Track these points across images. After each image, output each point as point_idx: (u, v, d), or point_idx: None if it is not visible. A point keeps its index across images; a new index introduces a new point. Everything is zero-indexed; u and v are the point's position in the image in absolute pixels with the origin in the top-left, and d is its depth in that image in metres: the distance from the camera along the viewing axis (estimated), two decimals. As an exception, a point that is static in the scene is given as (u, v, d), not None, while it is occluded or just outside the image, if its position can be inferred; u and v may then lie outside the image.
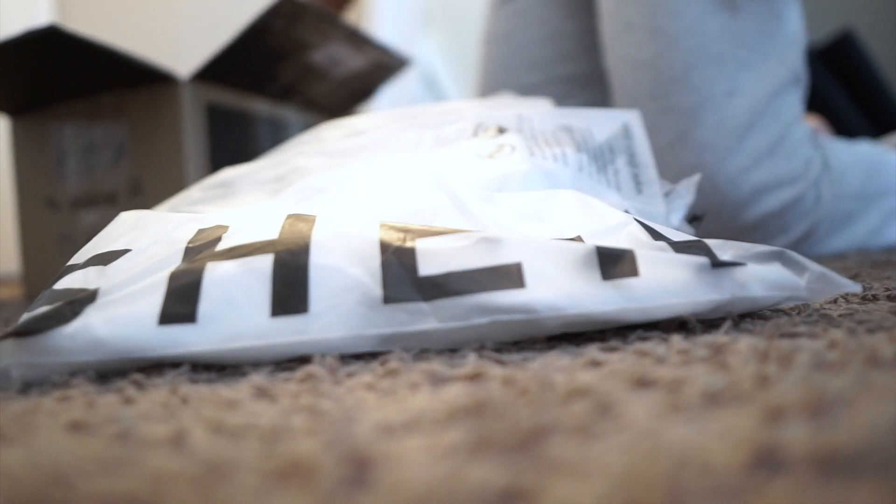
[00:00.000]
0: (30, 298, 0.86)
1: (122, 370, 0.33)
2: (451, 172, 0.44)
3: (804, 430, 0.18)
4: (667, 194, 0.53)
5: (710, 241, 0.36)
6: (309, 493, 0.17)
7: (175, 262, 0.36)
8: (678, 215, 0.52)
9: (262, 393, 0.28)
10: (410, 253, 0.34)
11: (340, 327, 0.33)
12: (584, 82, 0.97)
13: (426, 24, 1.91)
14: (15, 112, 0.86)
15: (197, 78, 0.77)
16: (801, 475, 0.16)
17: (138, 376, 0.31)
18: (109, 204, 0.78)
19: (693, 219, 0.53)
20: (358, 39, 0.86)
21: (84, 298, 0.34)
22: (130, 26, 1.60)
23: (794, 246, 0.79)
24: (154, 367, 0.33)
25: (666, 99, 0.78)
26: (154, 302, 0.33)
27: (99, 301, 0.34)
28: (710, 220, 0.74)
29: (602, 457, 0.17)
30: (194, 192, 0.53)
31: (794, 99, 0.80)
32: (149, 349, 0.32)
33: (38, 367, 0.32)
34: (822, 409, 0.20)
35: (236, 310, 0.33)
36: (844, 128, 1.09)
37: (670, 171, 0.77)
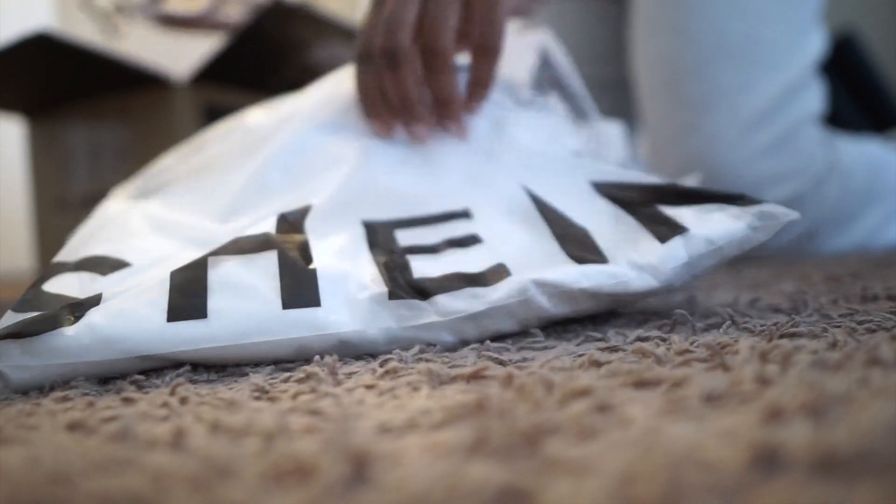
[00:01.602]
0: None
1: (124, 370, 0.33)
2: None
3: (804, 430, 0.18)
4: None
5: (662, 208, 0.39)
6: (308, 492, 0.17)
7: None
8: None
9: (262, 393, 0.28)
10: (404, 261, 0.37)
11: (351, 321, 0.34)
12: (608, 86, 0.99)
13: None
14: (31, 113, 0.87)
15: (193, 81, 0.77)
16: (801, 475, 0.16)
17: (138, 376, 0.31)
18: None
19: None
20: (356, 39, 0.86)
21: (88, 302, 0.34)
22: (134, 27, 1.60)
23: (797, 243, 0.80)
24: (154, 367, 0.33)
25: (680, 90, 0.79)
26: (161, 299, 0.33)
27: (102, 305, 0.33)
28: None
29: (601, 457, 0.17)
30: (168, 159, 0.52)
31: (809, 101, 0.81)
32: (158, 347, 0.32)
33: (36, 369, 0.32)
34: (822, 409, 0.20)
35: (247, 304, 0.33)
36: (845, 128, 1.09)
37: (678, 160, 0.78)
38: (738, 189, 0.76)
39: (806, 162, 0.79)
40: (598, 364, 0.28)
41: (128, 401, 0.28)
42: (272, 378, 0.30)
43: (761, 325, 0.34)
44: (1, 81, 0.77)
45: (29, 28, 0.70)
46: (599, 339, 0.34)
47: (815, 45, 0.83)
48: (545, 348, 0.33)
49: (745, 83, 0.78)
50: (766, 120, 0.78)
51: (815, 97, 0.82)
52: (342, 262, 0.36)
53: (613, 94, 1.00)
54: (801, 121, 0.80)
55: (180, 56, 1.13)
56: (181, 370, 0.32)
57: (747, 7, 0.79)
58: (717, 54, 0.78)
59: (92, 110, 0.81)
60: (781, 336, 0.31)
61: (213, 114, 0.80)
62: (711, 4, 0.79)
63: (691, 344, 0.30)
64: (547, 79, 0.53)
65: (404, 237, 0.40)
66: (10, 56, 0.69)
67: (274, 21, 0.75)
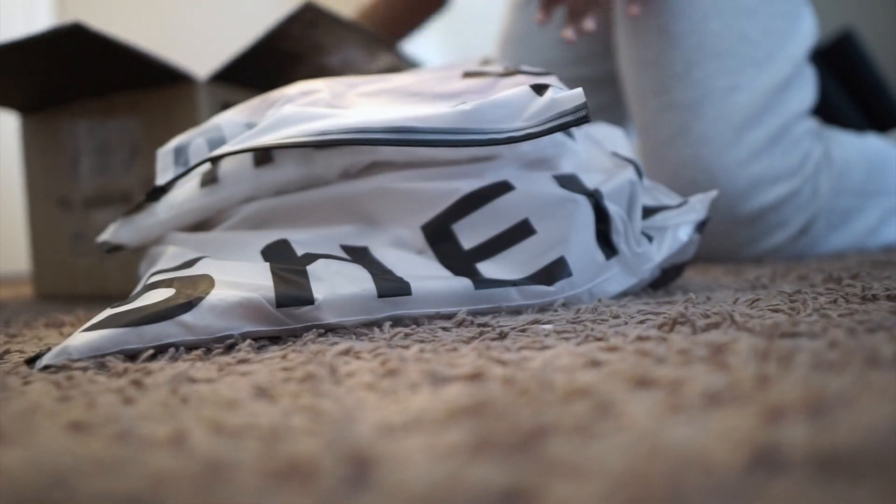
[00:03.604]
0: (40, 297, 0.86)
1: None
2: None
3: (804, 430, 0.18)
4: (679, 206, 0.53)
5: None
6: (309, 493, 0.17)
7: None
8: (687, 230, 0.52)
9: (262, 393, 0.28)
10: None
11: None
12: (598, 84, 0.99)
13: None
14: (27, 110, 0.86)
15: (214, 79, 0.77)
16: (801, 475, 0.16)
17: (138, 375, 0.31)
18: (124, 203, 0.78)
19: (700, 225, 0.53)
20: (373, 45, 0.86)
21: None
22: (128, 28, 1.60)
23: (794, 241, 0.79)
24: (154, 368, 0.33)
25: (668, 94, 0.79)
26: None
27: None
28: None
29: (602, 457, 0.17)
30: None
31: (802, 93, 0.81)
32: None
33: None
34: (822, 409, 0.20)
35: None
36: (844, 128, 1.09)
37: (670, 165, 0.78)
38: (734, 193, 0.76)
39: (801, 159, 0.78)
40: (598, 364, 0.28)
41: (128, 401, 0.28)
42: (272, 378, 0.30)
43: (761, 325, 0.34)
44: (26, 74, 0.75)
45: (29, 28, 0.69)
46: (599, 339, 0.34)
47: (802, 33, 0.82)
48: (545, 348, 0.33)
49: (733, 83, 0.77)
50: (757, 119, 0.77)
51: (806, 89, 0.82)
52: None
53: (602, 91, 1.00)
54: (794, 116, 0.79)
55: (182, 52, 1.12)
56: (181, 369, 0.32)
57: (725, 4, 0.79)
58: (701, 55, 0.78)
59: (99, 107, 0.80)
60: (781, 336, 0.31)
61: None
62: (691, 5, 0.79)
63: (691, 344, 0.30)
64: None
65: None
66: (39, 46, 0.68)
67: (302, 24, 0.75)
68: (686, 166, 0.77)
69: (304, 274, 0.41)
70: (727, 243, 0.79)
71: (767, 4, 0.80)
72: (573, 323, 0.39)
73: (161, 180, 0.51)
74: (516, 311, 0.44)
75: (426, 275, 0.44)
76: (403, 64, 0.96)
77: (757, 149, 0.77)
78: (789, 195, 0.78)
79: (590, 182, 0.49)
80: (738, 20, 0.78)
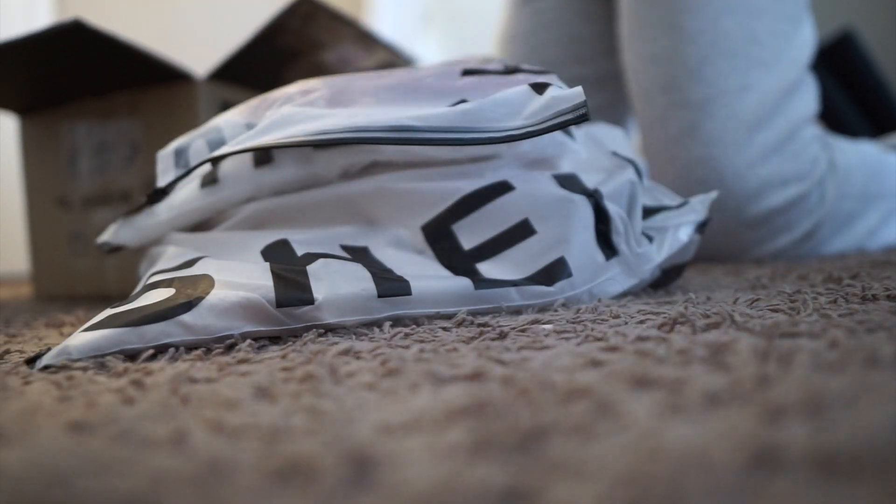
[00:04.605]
0: (39, 297, 0.86)
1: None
2: None
3: (804, 430, 0.18)
4: (680, 206, 0.53)
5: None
6: (309, 493, 0.17)
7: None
8: (688, 230, 0.52)
9: (262, 393, 0.28)
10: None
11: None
12: (599, 83, 0.99)
13: (426, 24, 1.91)
14: (24, 111, 0.85)
15: (213, 77, 0.76)
16: (801, 475, 0.16)
17: (138, 375, 0.31)
18: (123, 202, 0.78)
19: (700, 225, 0.53)
20: (369, 40, 0.86)
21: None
22: (128, 27, 1.61)
23: (798, 245, 0.79)
24: (154, 368, 0.33)
25: (678, 91, 0.78)
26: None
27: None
28: (714, 214, 0.74)
29: (602, 457, 0.17)
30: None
31: (806, 99, 0.81)
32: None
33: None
34: (822, 409, 0.20)
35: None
36: (844, 128, 1.09)
37: (678, 164, 0.78)
38: (743, 194, 0.76)
39: (810, 163, 0.78)
40: (598, 364, 0.28)
41: (128, 401, 0.28)
42: (272, 378, 0.30)
43: (761, 325, 0.34)
44: (26, 73, 0.75)
45: (28, 27, 0.69)
46: (599, 339, 0.34)
47: (807, 37, 0.82)
48: (545, 348, 0.33)
49: (745, 83, 0.77)
50: (766, 121, 0.77)
51: (810, 96, 0.82)
52: None
53: (604, 90, 1.00)
54: (802, 120, 0.80)
55: (177, 52, 1.12)
56: (181, 369, 0.32)
57: (738, 2, 0.79)
58: (714, 53, 0.78)
59: (98, 106, 0.80)
60: (781, 336, 0.31)
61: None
62: (705, 1, 0.79)
63: (691, 344, 0.30)
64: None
65: None
66: (39, 44, 0.68)
67: (299, 18, 0.75)
68: (695, 165, 0.77)
69: (305, 274, 0.41)
70: (733, 244, 0.79)
71: (775, 5, 0.80)
72: (573, 323, 0.39)
73: (161, 182, 0.51)
74: (516, 311, 0.44)
75: (426, 275, 0.44)
76: (398, 60, 0.96)
77: (766, 151, 0.77)
78: (797, 199, 0.78)
79: (590, 182, 0.48)
80: (749, 20, 0.78)
